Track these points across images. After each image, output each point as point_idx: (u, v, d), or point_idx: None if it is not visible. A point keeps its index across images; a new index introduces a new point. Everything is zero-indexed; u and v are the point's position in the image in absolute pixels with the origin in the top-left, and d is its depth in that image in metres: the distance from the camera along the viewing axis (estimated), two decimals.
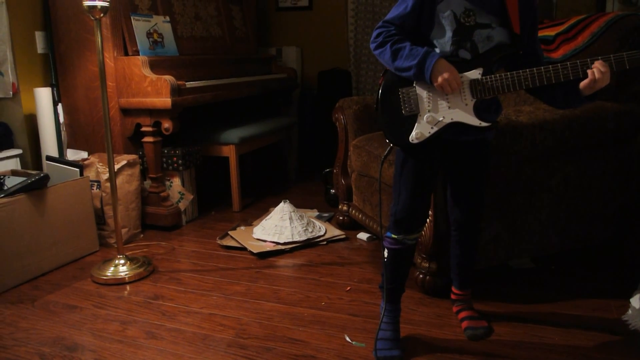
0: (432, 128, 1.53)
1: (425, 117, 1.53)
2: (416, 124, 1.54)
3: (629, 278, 2.07)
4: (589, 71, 1.42)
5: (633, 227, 2.42)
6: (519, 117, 1.96)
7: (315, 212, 3.26)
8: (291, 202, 2.95)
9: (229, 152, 3.33)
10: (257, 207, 3.47)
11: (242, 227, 3.01)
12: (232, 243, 2.79)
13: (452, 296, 1.96)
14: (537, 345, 1.75)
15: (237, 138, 3.30)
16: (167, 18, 3.25)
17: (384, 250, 1.71)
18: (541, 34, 2.49)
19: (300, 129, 4.53)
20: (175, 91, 2.84)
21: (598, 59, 1.43)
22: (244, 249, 2.72)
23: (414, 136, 1.54)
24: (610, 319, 1.90)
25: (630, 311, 1.90)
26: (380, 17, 4.19)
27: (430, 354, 1.72)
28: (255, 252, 2.64)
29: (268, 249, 2.67)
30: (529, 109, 2.04)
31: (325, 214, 3.22)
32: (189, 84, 3.00)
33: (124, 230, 2.79)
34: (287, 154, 4.28)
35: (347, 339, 1.82)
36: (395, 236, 1.66)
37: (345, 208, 2.95)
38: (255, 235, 2.84)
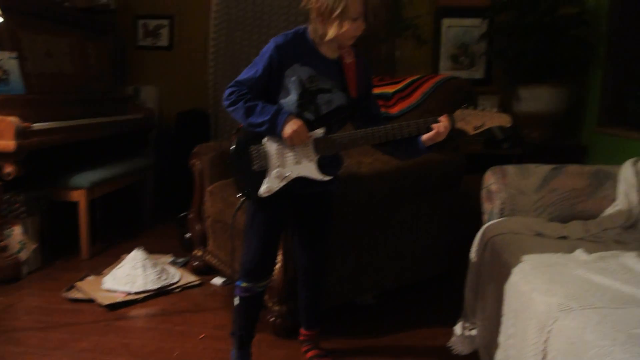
0: (280, 182, 1.66)
1: (274, 172, 1.66)
2: (266, 179, 1.67)
3: (457, 308, 2.33)
4: (434, 125, 1.63)
5: (459, 262, 2.74)
6: (360, 169, 2.16)
7: (170, 258, 3.21)
8: (146, 246, 2.90)
9: (79, 196, 3.18)
10: (108, 253, 3.32)
11: (91, 277, 2.88)
12: (80, 295, 2.65)
13: (300, 337, 2.07)
14: None
15: (88, 182, 3.18)
16: (15, 54, 3.06)
17: (235, 299, 1.77)
18: (381, 90, 2.76)
19: (156, 170, 4.43)
20: (20, 133, 2.68)
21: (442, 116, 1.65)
22: (92, 301, 2.60)
23: (263, 190, 1.66)
24: (438, 347, 2.12)
25: (453, 337, 2.14)
26: (240, 61, 4.28)
27: None
28: (105, 303, 2.54)
29: (119, 299, 2.58)
30: (368, 161, 2.26)
31: (180, 259, 3.19)
32: (36, 126, 2.84)
33: None
34: (142, 195, 4.17)
35: None
36: (246, 284, 1.75)
37: (200, 253, 2.95)
38: (105, 286, 2.72)
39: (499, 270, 1.84)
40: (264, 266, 1.76)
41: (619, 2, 3.27)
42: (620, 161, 3.08)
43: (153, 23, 4.46)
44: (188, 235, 3.34)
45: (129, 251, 2.90)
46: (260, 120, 1.61)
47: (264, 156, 1.67)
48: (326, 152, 1.67)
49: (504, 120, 1.70)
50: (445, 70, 4.06)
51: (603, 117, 3.34)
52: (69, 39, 3.64)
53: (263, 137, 1.68)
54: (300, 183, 1.69)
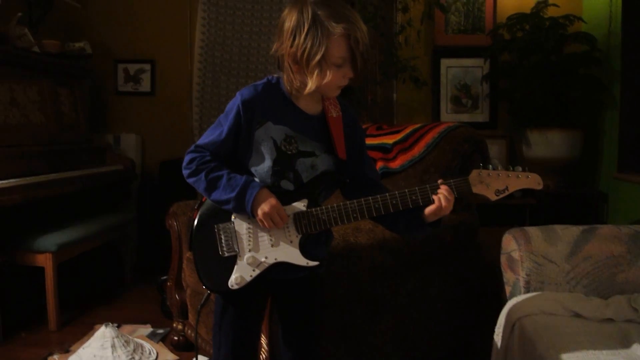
0: (253, 270, 1.32)
1: (245, 257, 1.32)
2: (235, 267, 1.32)
3: None
4: (434, 197, 1.31)
5: (475, 336, 2.39)
6: (358, 238, 1.84)
7: (149, 328, 2.85)
8: (124, 312, 2.58)
9: (45, 261, 2.85)
10: (80, 322, 2.97)
11: (56, 356, 2.51)
12: None
13: None
14: None
15: (54, 244, 2.84)
16: None
17: None
18: (380, 140, 2.47)
19: (139, 223, 4.11)
20: None
21: (447, 183, 1.34)
22: None
23: (233, 281, 1.31)
24: None
25: None
26: (225, 106, 4.02)
27: None
28: None
29: None
30: (368, 227, 1.93)
31: (160, 330, 2.83)
32: None
33: None
34: (123, 253, 3.82)
35: None
36: None
37: (180, 327, 2.59)
38: None
39: None
40: None
41: (634, 38, 3.02)
42: None
43: (134, 67, 4.20)
44: (168, 302, 2.99)
45: (103, 319, 2.56)
46: (225, 197, 1.30)
47: (233, 238, 1.34)
48: (310, 231, 1.34)
49: (533, 182, 1.40)
50: (447, 113, 3.79)
51: (622, 163, 3.05)
52: (38, 86, 3.35)
53: (231, 213, 1.36)
54: (278, 269, 1.35)
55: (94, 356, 2.38)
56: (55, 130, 3.46)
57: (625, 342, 1.45)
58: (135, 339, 2.56)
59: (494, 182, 1.37)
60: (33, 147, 3.13)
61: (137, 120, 4.27)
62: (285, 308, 1.49)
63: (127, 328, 2.83)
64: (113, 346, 2.40)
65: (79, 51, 3.72)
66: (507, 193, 1.38)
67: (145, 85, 4.25)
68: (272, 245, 1.33)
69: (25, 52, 3.24)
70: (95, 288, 3.64)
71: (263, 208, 1.27)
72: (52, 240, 2.86)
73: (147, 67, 4.20)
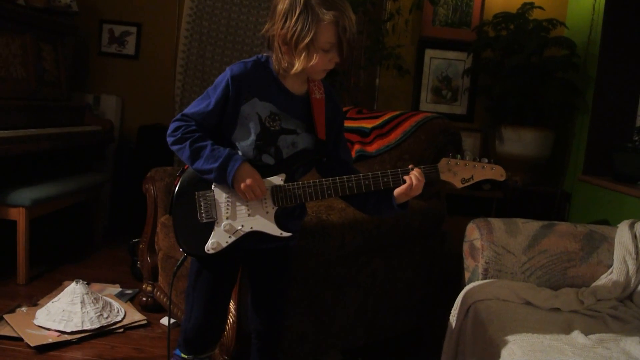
0: (229, 237, 1.39)
1: (222, 224, 1.38)
2: (213, 232, 1.39)
3: None
4: (406, 177, 1.40)
5: (433, 314, 2.51)
6: (330, 216, 1.91)
7: (118, 289, 2.90)
8: (93, 272, 2.62)
9: (18, 215, 2.86)
10: (49, 278, 3.00)
11: (24, 309, 2.55)
12: (7, 331, 2.32)
13: None
14: None
15: (28, 199, 2.85)
16: None
17: None
18: (359, 124, 2.54)
19: (114, 185, 4.12)
20: None
21: (418, 168, 1.42)
22: (20, 339, 2.27)
23: (209, 246, 1.38)
24: None
25: None
26: (210, 76, 4.05)
27: None
28: (32, 345, 2.21)
29: (50, 340, 2.26)
30: (340, 206, 2.01)
31: (129, 291, 2.88)
32: None
33: None
34: (94, 214, 3.83)
35: None
36: (185, 356, 1.46)
37: (149, 288, 2.65)
38: (37, 322, 2.40)
39: (483, 347, 1.62)
40: (207, 336, 1.47)
41: (611, 47, 3.13)
42: (606, 213, 2.94)
43: (120, 29, 4.17)
44: (139, 264, 3.04)
45: (72, 276, 2.59)
46: (207, 167, 1.35)
47: (212, 205, 1.40)
48: (286, 204, 1.41)
49: (497, 174, 1.49)
50: (427, 102, 3.87)
51: (588, 166, 3.19)
52: (21, 40, 3.32)
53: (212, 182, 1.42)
54: (253, 238, 1.42)
55: (63, 311, 2.42)
56: (35, 86, 3.43)
57: (567, 330, 1.57)
58: (105, 297, 2.60)
59: (460, 171, 1.45)
60: (12, 101, 3.10)
61: (118, 83, 4.24)
62: (256, 277, 1.56)
63: (95, 286, 2.87)
64: (82, 302, 2.44)
65: (65, 7, 3.68)
66: (472, 182, 1.47)
67: (129, 48, 4.22)
68: (248, 215, 1.39)
69: (10, 4, 3.20)
70: (65, 246, 3.65)
71: (245, 180, 1.34)
72: (26, 195, 2.87)
73: (133, 30, 4.16)
